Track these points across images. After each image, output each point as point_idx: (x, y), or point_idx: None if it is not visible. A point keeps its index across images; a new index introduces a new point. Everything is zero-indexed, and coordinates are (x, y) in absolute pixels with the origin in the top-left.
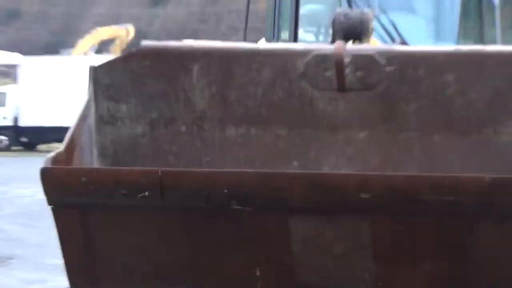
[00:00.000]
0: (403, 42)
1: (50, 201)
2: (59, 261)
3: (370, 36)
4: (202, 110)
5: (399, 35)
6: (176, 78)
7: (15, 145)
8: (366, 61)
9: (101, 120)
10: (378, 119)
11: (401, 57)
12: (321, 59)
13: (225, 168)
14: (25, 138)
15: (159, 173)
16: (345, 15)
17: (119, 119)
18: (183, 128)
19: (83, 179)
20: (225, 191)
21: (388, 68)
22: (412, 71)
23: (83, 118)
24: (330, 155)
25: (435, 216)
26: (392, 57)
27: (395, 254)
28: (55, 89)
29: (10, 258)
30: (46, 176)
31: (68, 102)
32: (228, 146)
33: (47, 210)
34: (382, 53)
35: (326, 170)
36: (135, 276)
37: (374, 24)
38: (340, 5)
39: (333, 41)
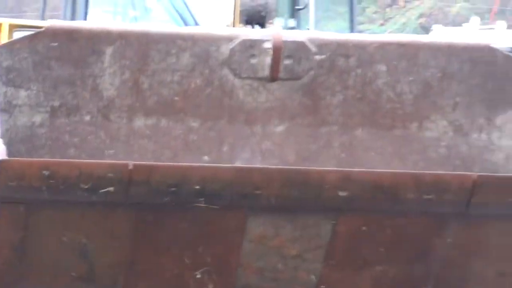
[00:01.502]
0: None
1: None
2: None
3: (273, 20)
4: (110, 98)
5: (192, 15)
6: (85, 62)
7: None
8: (296, 48)
9: None
10: (299, 112)
11: (333, 45)
12: (249, 44)
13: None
14: None
15: (130, 167)
16: None
17: (16, 107)
18: (87, 118)
19: (45, 172)
20: (197, 187)
21: (318, 57)
22: (343, 60)
23: None
24: (245, 150)
25: (406, 216)
26: (323, 45)
27: (347, 256)
28: None
29: None
30: (4, 168)
31: None
32: (135, 138)
33: None
34: (314, 41)
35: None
36: (61, 279)
37: (166, 4)
38: None
39: (234, 25)
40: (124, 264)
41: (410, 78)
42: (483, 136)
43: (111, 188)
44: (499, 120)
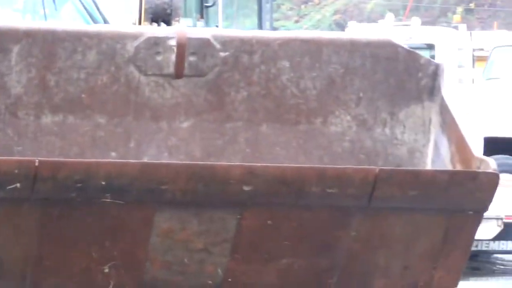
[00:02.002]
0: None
1: None
2: None
3: (179, 18)
4: (17, 95)
5: (100, 13)
6: None
7: None
8: (201, 45)
9: None
10: (205, 108)
11: (237, 41)
12: (154, 42)
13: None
14: None
15: (36, 163)
16: None
17: None
18: None
19: None
20: (103, 183)
21: (222, 54)
22: (247, 57)
23: None
24: (151, 146)
25: (311, 209)
26: (227, 42)
27: (253, 250)
28: None
29: None
30: None
31: None
32: (43, 135)
33: None
34: (218, 37)
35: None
36: None
37: (75, 3)
38: None
39: (140, 22)
40: (32, 260)
41: (314, 74)
42: (387, 130)
43: (17, 184)
44: (402, 115)
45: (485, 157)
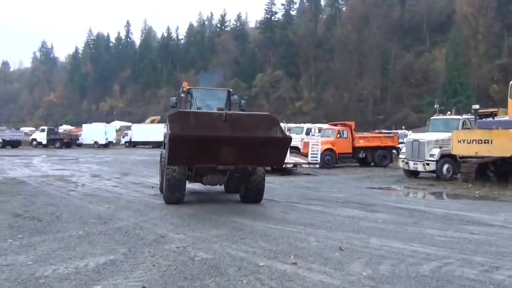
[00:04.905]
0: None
1: None
2: None
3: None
4: None
5: None
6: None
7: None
8: None
9: None
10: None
11: None
12: None
13: None
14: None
15: None
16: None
17: None
18: None
19: None
20: None
21: None
22: None
23: None
24: None
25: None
26: None
27: (241, 157)
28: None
29: None
30: None
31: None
32: None
33: None
34: None
35: None
36: None
37: None
38: None
39: None
40: (191, 160)
41: None
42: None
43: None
44: (273, 131)
45: (288, 134)
